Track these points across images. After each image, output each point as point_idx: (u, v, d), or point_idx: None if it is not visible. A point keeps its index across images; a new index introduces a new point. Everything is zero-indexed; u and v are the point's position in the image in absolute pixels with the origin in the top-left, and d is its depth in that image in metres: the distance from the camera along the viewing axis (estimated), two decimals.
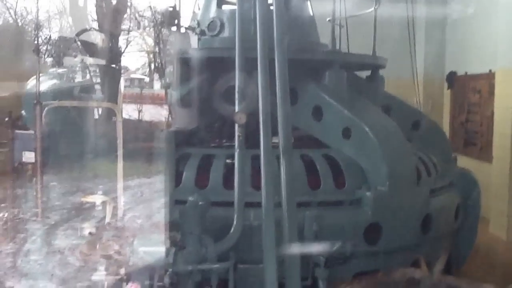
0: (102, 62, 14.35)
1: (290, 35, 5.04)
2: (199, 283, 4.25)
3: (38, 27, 16.90)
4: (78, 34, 14.92)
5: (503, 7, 8.66)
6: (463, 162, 7.35)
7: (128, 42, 20.41)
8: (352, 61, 6.16)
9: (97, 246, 5.55)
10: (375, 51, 6.65)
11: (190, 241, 4.24)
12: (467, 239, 6.03)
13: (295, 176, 4.49)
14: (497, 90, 8.83)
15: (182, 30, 5.92)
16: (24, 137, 8.47)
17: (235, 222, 4.40)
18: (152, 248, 4.34)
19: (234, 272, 4.35)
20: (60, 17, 21.20)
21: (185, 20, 6.48)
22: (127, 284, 4.32)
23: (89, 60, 14.62)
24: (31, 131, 8.34)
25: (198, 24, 6.24)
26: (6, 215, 8.00)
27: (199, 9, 6.69)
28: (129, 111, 17.55)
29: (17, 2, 21.61)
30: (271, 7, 4.70)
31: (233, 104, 4.69)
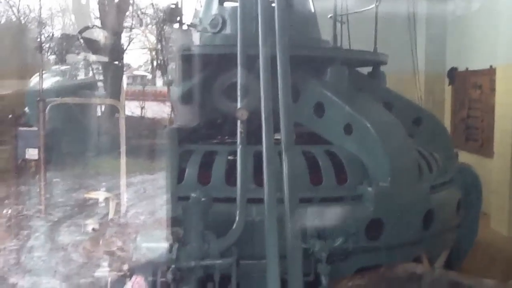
0: (105, 59, 14.38)
1: (292, 32, 5.05)
2: (202, 279, 4.27)
3: (41, 24, 16.92)
4: (80, 32, 14.94)
5: (504, 3, 8.65)
6: (464, 157, 7.37)
7: (130, 40, 20.44)
8: (354, 57, 6.18)
9: (100, 242, 5.57)
10: (376, 48, 6.67)
11: (192, 237, 4.26)
12: (468, 235, 6.04)
13: (297, 172, 4.52)
14: (498, 86, 8.84)
15: (184, 27, 5.93)
16: (27, 134, 8.50)
17: (237, 218, 4.41)
18: (155, 244, 4.36)
19: (237, 267, 4.35)
20: (62, 15, 21.22)
21: (187, 17, 6.50)
22: (130, 278, 4.34)
23: (92, 57, 14.64)
24: (34, 128, 8.37)
25: (200, 21, 6.26)
26: (9, 212, 8.03)
27: (201, 6, 6.71)
28: (131, 108, 17.55)
29: (19, 0, 21.66)
30: (273, 4, 4.72)
31: (235, 101, 4.70)
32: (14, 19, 21.98)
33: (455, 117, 11.13)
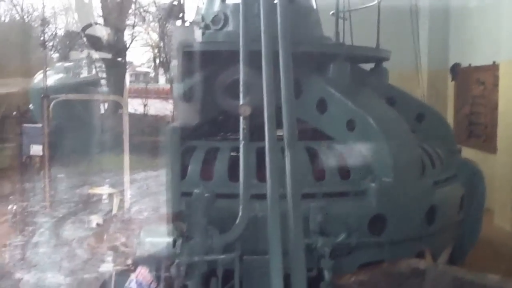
0: (108, 56, 14.41)
1: (294, 28, 5.05)
2: (205, 274, 4.29)
3: (44, 23, 16.95)
4: (84, 29, 14.98)
5: None
6: (468, 153, 7.36)
7: (133, 37, 20.48)
8: (356, 53, 6.17)
9: (104, 238, 5.61)
10: (378, 44, 6.67)
11: (196, 232, 4.27)
12: (471, 230, 6.03)
13: (300, 168, 4.53)
14: (501, 82, 8.83)
15: (187, 24, 5.94)
16: (32, 130, 8.54)
17: (240, 214, 4.42)
18: (158, 239, 4.38)
19: (240, 263, 4.38)
20: (66, 13, 21.26)
21: (190, 14, 6.51)
22: (135, 270, 4.37)
23: (95, 54, 14.67)
24: (39, 125, 8.40)
25: (202, 18, 6.27)
26: (15, 208, 8.07)
27: (203, 3, 6.71)
28: (134, 105, 17.60)
29: None
30: (275, 1, 4.72)
31: (238, 98, 4.72)
32: (17, 17, 22.08)
33: (458, 113, 11.11)
